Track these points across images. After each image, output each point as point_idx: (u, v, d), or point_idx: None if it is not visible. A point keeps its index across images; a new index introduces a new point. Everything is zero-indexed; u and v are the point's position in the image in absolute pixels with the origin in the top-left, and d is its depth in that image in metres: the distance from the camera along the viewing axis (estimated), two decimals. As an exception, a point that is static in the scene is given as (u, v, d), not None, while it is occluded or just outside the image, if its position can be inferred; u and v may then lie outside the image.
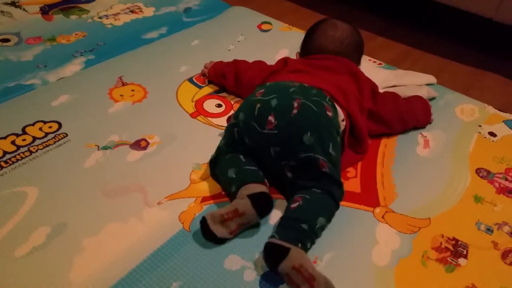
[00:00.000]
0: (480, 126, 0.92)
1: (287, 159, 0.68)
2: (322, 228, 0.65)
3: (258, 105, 0.69)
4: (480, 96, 1.03)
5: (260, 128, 0.68)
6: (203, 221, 0.63)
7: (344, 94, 0.76)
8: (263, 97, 0.70)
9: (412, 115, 0.87)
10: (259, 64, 0.93)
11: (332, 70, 0.80)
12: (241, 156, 0.71)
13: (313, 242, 0.63)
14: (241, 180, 0.67)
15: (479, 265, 0.65)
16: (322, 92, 0.72)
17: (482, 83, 1.13)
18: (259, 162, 0.71)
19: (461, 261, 0.65)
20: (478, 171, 0.81)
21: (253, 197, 0.63)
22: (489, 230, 0.70)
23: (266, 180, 0.68)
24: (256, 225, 0.66)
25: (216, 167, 0.73)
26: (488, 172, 0.81)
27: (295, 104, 0.67)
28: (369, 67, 1.03)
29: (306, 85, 0.72)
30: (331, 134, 0.69)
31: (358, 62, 0.88)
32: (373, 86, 0.83)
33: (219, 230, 0.63)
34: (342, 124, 0.74)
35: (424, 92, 0.94)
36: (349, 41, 0.84)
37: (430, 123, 0.90)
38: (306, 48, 0.88)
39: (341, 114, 0.73)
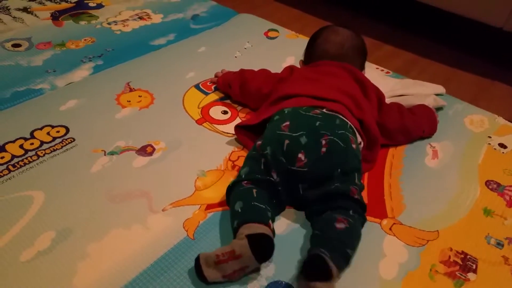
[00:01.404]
0: (489, 137, 0.91)
1: (314, 193, 0.67)
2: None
3: (287, 142, 0.68)
4: (489, 106, 1.02)
5: (290, 164, 0.67)
6: (197, 261, 0.59)
7: (356, 103, 0.76)
8: (291, 133, 0.68)
9: (418, 127, 0.86)
10: (265, 72, 0.93)
11: (339, 77, 0.80)
12: (255, 190, 0.66)
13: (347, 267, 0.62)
14: (244, 216, 0.62)
15: (489, 280, 0.63)
16: (344, 119, 0.72)
17: (491, 93, 1.12)
18: (277, 190, 0.68)
19: (470, 275, 0.64)
20: (487, 183, 0.80)
21: (252, 238, 0.58)
22: (499, 244, 0.69)
23: (271, 222, 0.63)
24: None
25: (230, 195, 0.68)
26: (498, 184, 0.80)
27: (323, 142, 0.67)
28: (376, 75, 1.02)
29: (328, 112, 0.72)
30: (357, 166, 0.70)
31: (361, 66, 0.88)
32: (380, 96, 0.83)
33: (210, 273, 0.58)
34: (360, 147, 0.74)
35: (430, 101, 0.93)
36: (350, 44, 0.85)
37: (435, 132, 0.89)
38: (309, 55, 0.89)
39: (358, 137, 0.74)
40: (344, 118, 0.72)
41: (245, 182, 0.67)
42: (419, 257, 0.65)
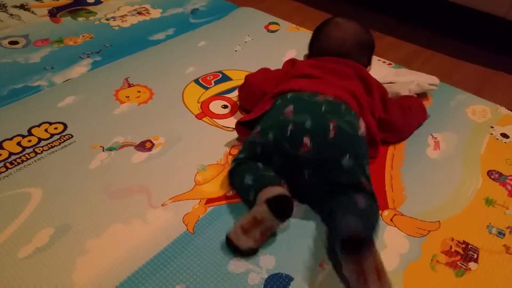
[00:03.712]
0: (492, 127, 0.90)
1: (322, 181, 0.66)
2: None
3: (291, 126, 0.66)
4: (492, 96, 1.01)
5: (294, 150, 0.65)
6: (227, 238, 0.62)
7: (358, 102, 0.74)
8: (295, 117, 0.67)
9: (416, 120, 0.87)
10: (266, 72, 0.90)
11: (341, 75, 0.78)
12: (259, 164, 0.68)
13: None
14: (258, 185, 0.63)
15: (490, 270, 0.63)
16: (348, 107, 0.71)
17: (493, 83, 1.11)
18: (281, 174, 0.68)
19: (472, 265, 0.63)
20: (489, 173, 0.79)
21: (269, 201, 0.60)
22: (500, 233, 0.68)
23: (283, 182, 0.65)
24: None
25: (233, 176, 0.70)
26: (500, 174, 0.79)
27: (331, 126, 0.65)
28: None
29: (332, 100, 0.71)
30: (365, 154, 0.69)
31: (367, 61, 0.86)
32: (383, 92, 0.81)
33: (242, 242, 0.60)
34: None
35: (413, 87, 0.92)
36: (353, 41, 0.82)
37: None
38: (312, 50, 0.87)
39: (362, 126, 0.72)
40: (348, 106, 0.71)
41: (246, 162, 0.68)
42: (420, 247, 0.65)
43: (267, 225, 0.60)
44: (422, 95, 0.96)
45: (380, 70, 0.98)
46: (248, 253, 0.61)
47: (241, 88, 0.91)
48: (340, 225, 0.60)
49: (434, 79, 0.97)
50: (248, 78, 0.89)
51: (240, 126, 0.80)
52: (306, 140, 0.64)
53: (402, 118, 0.82)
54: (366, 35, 0.85)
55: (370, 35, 0.86)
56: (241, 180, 0.67)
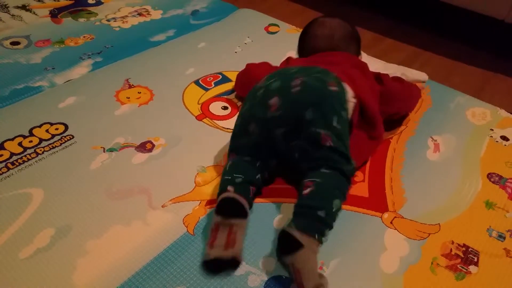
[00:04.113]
0: (492, 130, 0.90)
1: (292, 139, 0.66)
2: (339, 209, 0.62)
3: (261, 91, 0.69)
4: (492, 99, 1.01)
5: (264, 112, 0.67)
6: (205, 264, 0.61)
7: (350, 78, 0.74)
8: (266, 83, 0.70)
9: (414, 91, 0.90)
10: (267, 65, 0.92)
11: (336, 64, 0.78)
12: (229, 163, 0.69)
13: (331, 227, 0.61)
14: (218, 194, 0.65)
15: (491, 273, 0.63)
16: (327, 70, 0.71)
17: (493, 86, 1.11)
18: (260, 153, 0.69)
19: (472, 268, 0.63)
20: (489, 176, 0.79)
21: (217, 207, 0.62)
22: (501, 237, 0.68)
23: (243, 185, 0.65)
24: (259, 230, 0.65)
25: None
26: (500, 177, 0.79)
27: (298, 82, 0.67)
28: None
29: (309, 66, 0.72)
30: (334, 108, 0.67)
31: (357, 52, 0.88)
32: (377, 72, 0.83)
33: (211, 253, 0.59)
34: (352, 101, 0.71)
35: (407, 74, 0.97)
36: (340, 34, 0.85)
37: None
38: (303, 52, 0.89)
39: (350, 91, 0.71)
40: (329, 71, 0.71)
41: (231, 157, 0.71)
42: (420, 250, 0.65)
43: (225, 228, 0.60)
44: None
45: (370, 63, 0.99)
46: (223, 262, 0.60)
47: (240, 74, 0.93)
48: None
49: (423, 75, 0.99)
50: (249, 66, 0.92)
51: None
52: (274, 100, 0.66)
53: (400, 86, 0.84)
54: (350, 28, 0.87)
55: (354, 27, 0.88)
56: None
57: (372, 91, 0.77)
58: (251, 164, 0.68)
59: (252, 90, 0.72)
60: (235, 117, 0.88)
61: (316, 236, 0.58)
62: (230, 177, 0.66)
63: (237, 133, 0.72)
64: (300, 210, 0.62)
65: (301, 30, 0.88)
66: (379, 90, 0.78)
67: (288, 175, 0.74)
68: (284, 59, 0.86)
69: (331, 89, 0.68)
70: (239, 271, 0.60)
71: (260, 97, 0.69)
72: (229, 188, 0.64)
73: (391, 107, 0.82)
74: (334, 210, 0.61)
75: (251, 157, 0.69)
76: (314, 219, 0.60)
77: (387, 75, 0.84)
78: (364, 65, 0.81)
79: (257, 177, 0.68)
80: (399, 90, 0.83)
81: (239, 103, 0.94)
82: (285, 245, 0.58)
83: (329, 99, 0.67)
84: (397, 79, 0.87)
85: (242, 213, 0.63)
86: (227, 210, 0.62)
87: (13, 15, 1.23)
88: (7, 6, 1.27)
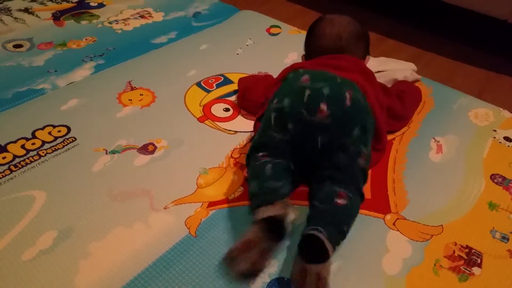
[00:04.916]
0: (495, 130, 0.90)
1: (330, 148, 0.66)
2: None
3: (308, 92, 0.66)
4: (494, 99, 1.00)
5: (310, 115, 0.65)
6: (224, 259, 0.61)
7: (363, 89, 0.74)
8: (312, 84, 0.68)
9: (414, 100, 0.92)
10: (265, 81, 0.90)
11: (343, 69, 0.78)
12: (269, 165, 0.66)
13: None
14: (257, 200, 0.62)
15: (494, 275, 0.62)
16: (357, 86, 0.72)
17: (496, 87, 1.10)
18: (293, 154, 0.67)
19: (475, 270, 0.63)
20: (492, 177, 0.79)
21: (262, 222, 0.59)
22: (504, 238, 0.68)
23: (286, 198, 0.63)
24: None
25: (248, 169, 0.69)
26: (504, 178, 0.78)
27: (348, 96, 0.67)
28: None
29: (345, 77, 0.72)
30: (371, 130, 0.70)
31: (365, 53, 0.87)
32: (382, 84, 0.84)
33: (238, 263, 0.58)
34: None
35: (408, 74, 0.99)
36: (348, 35, 0.83)
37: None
38: (309, 51, 0.88)
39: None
40: (357, 85, 0.72)
41: (261, 154, 0.67)
42: (423, 252, 0.65)
43: (261, 246, 0.59)
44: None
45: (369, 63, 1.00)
46: (244, 275, 0.59)
47: (240, 97, 0.93)
48: (306, 227, 0.60)
49: (412, 66, 1.03)
50: (244, 89, 0.91)
51: (258, 122, 0.79)
52: (323, 106, 0.65)
53: (399, 106, 0.85)
54: (359, 27, 0.86)
55: (363, 27, 0.86)
56: (250, 182, 0.67)
57: (379, 103, 0.77)
58: (288, 169, 0.67)
59: (294, 86, 0.69)
60: (237, 119, 0.89)
61: (335, 248, 0.59)
62: (278, 183, 0.64)
63: (272, 127, 0.68)
64: (332, 219, 0.60)
65: (303, 31, 0.88)
66: (387, 105, 0.80)
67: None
68: (285, 60, 0.85)
69: (369, 109, 0.70)
70: (241, 273, 0.60)
71: (307, 99, 0.66)
72: (283, 200, 0.62)
73: (397, 125, 0.86)
74: (350, 230, 0.63)
75: (285, 159, 0.67)
76: (340, 232, 0.60)
77: (389, 90, 0.85)
78: (371, 73, 0.80)
79: (293, 186, 0.68)
80: (399, 107, 0.85)
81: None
82: (315, 252, 0.56)
83: (370, 120, 0.70)
84: (396, 92, 0.87)
85: (281, 238, 0.62)
86: (274, 235, 0.60)
87: (16, 18, 1.24)
88: (9, 9, 1.28)
